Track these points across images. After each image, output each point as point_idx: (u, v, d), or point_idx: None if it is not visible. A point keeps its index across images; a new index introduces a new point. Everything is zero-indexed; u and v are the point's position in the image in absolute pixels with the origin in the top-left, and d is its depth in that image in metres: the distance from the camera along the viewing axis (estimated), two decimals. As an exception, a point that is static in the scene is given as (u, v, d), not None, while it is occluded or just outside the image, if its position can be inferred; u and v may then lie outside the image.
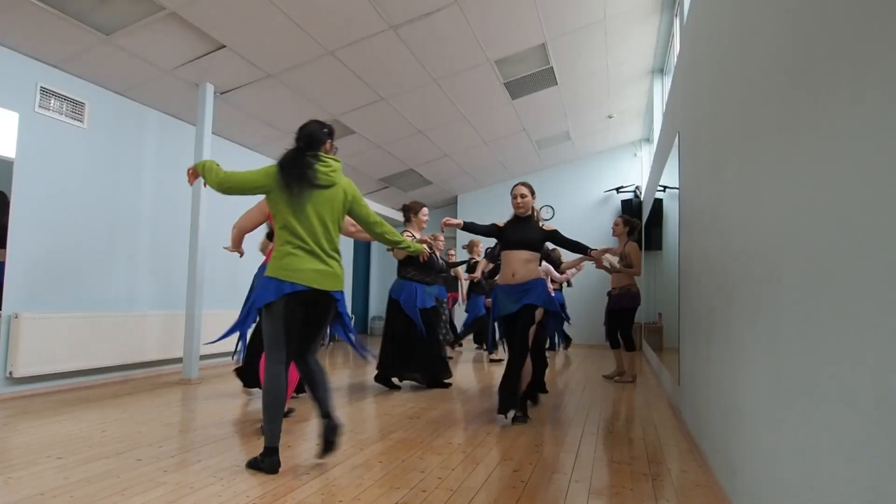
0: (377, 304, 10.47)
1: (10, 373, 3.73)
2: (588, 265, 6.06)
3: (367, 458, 2.45)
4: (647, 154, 8.40)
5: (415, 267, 4.33)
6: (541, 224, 3.38)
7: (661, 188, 5.03)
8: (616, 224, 5.03)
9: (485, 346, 7.38)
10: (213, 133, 5.06)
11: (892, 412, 0.84)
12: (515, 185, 3.42)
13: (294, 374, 2.91)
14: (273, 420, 2.23)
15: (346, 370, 5.61)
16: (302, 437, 2.78)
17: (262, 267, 3.22)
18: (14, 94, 3.85)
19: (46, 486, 1.99)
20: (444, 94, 5.70)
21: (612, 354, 5.25)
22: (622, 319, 4.86)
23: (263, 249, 3.78)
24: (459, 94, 5.78)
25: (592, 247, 3.34)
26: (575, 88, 6.28)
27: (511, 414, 3.12)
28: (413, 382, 4.49)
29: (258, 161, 6.24)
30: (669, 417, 3.44)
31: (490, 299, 4.51)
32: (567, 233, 3.38)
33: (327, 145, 2.38)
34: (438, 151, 7.31)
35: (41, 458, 2.34)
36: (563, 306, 4.83)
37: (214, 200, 4.95)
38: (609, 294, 5.06)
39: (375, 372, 4.43)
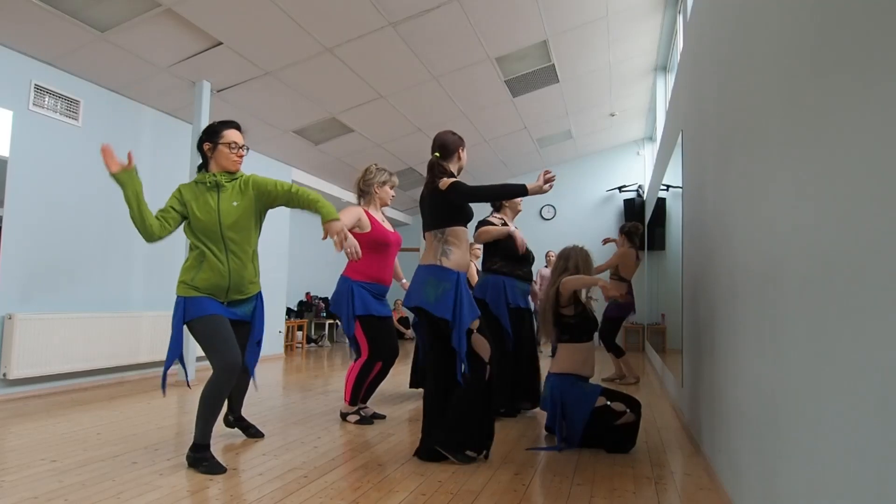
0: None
1: (4, 374, 3.70)
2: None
3: (367, 461, 2.41)
4: (650, 153, 8.37)
5: (502, 256, 3.40)
6: None
7: (665, 187, 4.99)
8: (617, 241, 5.17)
9: None
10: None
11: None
12: None
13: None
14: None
15: (344, 371, 5.58)
16: (300, 441, 2.75)
17: (346, 278, 3.15)
18: (8, 92, 3.81)
19: (41, 490, 1.97)
20: (444, 92, 5.66)
21: (609, 357, 5.24)
22: (609, 326, 4.90)
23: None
24: (459, 92, 5.73)
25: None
26: (577, 86, 6.24)
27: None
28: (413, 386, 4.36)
29: (254, 159, 6.20)
30: (672, 420, 3.41)
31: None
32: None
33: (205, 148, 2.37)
34: (438, 150, 7.26)
35: (35, 461, 2.31)
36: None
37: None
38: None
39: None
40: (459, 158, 2.62)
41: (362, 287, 3.10)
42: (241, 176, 2.40)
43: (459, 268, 2.46)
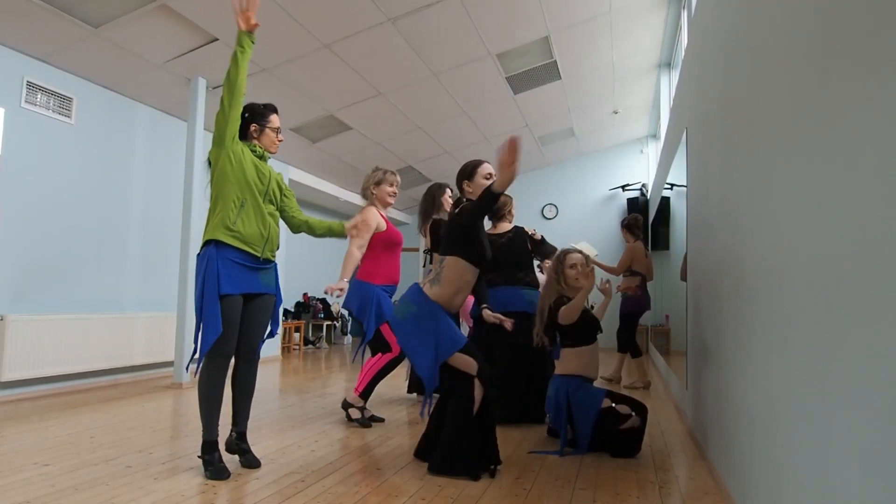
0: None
1: (-2, 375, 3.66)
2: None
3: (365, 465, 2.38)
4: (653, 151, 8.32)
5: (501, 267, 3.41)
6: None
7: (669, 186, 4.95)
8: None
9: None
10: (205, 129, 4.94)
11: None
12: None
13: None
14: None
15: (342, 373, 5.54)
16: (297, 445, 2.70)
17: (368, 283, 3.16)
18: None
19: (33, 494, 1.94)
20: (444, 89, 5.61)
21: (612, 359, 5.18)
22: (623, 324, 4.84)
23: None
24: (460, 89, 5.69)
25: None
26: (579, 83, 6.19)
27: None
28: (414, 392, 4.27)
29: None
30: (677, 423, 3.37)
31: None
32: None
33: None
34: (438, 148, 7.22)
35: (28, 465, 2.28)
36: None
37: (208, 199, 4.86)
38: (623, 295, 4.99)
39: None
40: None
41: (385, 290, 3.18)
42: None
43: (441, 301, 2.34)
